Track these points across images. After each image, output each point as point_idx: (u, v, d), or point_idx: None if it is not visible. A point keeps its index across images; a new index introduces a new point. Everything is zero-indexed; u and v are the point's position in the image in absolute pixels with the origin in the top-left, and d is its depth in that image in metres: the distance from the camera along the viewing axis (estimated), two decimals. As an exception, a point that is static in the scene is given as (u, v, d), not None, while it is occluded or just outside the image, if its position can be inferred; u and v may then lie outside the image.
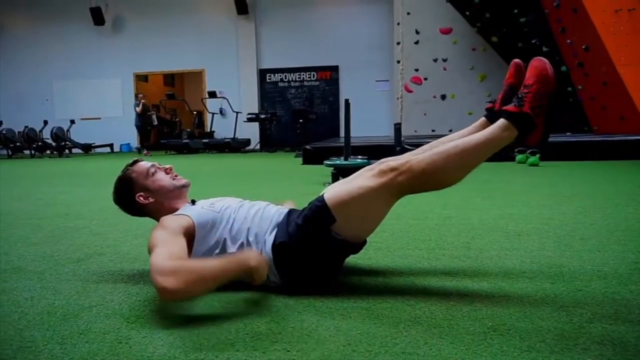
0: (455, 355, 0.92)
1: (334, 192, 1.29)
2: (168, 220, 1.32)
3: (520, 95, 1.29)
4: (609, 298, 1.21)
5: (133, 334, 1.05)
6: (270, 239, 1.31)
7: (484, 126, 1.40)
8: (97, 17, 12.39)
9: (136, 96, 11.20)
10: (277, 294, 1.27)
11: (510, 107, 1.29)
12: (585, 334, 1.00)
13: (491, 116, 1.39)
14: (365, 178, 1.28)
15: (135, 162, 1.50)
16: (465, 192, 3.32)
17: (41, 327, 1.11)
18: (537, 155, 5.27)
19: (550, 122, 1.29)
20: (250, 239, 1.32)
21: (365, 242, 1.37)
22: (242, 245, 1.32)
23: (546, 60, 1.33)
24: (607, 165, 5.10)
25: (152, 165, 1.47)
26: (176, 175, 1.49)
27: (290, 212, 1.39)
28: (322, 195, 1.30)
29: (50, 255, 1.79)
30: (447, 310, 1.15)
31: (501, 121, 1.28)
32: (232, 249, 1.32)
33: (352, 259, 1.63)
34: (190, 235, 1.30)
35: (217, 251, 1.32)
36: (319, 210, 1.27)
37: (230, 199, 1.48)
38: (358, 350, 0.95)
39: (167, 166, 1.50)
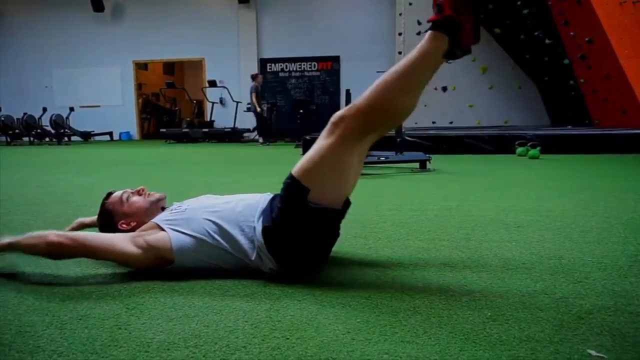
0: (454, 344, 0.92)
1: (299, 164, 1.30)
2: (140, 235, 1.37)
3: (439, 3, 1.26)
4: (608, 289, 1.21)
5: (132, 320, 1.05)
6: (259, 225, 1.31)
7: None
8: (97, 4, 12.28)
9: (254, 77, 9.68)
10: (276, 283, 1.27)
11: (432, 16, 1.27)
12: (584, 324, 1.00)
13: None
14: (322, 138, 1.28)
15: (108, 194, 1.56)
16: (466, 184, 3.32)
17: (40, 312, 1.11)
18: (538, 149, 5.26)
19: (479, 20, 1.26)
20: (236, 226, 1.32)
21: (348, 203, 1.35)
22: (223, 231, 1.32)
23: None
24: (608, 159, 5.10)
25: (124, 192, 1.53)
26: (149, 194, 1.55)
27: (274, 197, 1.39)
28: (290, 172, 1.31)
29: (49, 241, 1.78)
30: (446, 300, 1.15)
31: (429, 33, 1.26)
32: (213, 233, 1.32)
33: (351, 249, 1.63)
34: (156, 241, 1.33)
35: (205, 238, 1.32)
36: (291, 187, 1.28)
37: (202, 197, 1.51)
38: (357, 339, 0.95)
39: (139, 188, 1.56)
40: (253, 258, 1.31)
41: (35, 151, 8.58)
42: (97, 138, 12.30)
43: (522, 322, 1.02)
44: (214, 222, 1.33)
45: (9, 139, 11.10)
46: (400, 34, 9.17)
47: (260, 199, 1.39)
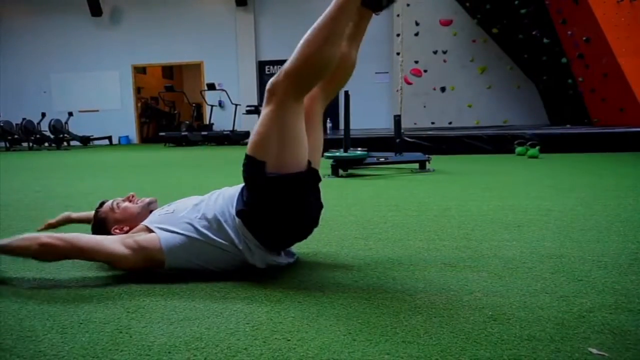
0: (455, 344, 0.92)
1: (248, 141, 1.33)
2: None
3: None
4: (609, 288, 1.21)
5: (133, 324, 1.05)
6: (233, 210, 1.34)
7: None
8: (95, 8, 12.29)
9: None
10: (277, 285, 1.27)
11: None
12: (585, 323, 1.00)
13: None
14: (263, 110, 1.30)
15: (100, 204, 1.59)
16: (465, 184, 3.32)
17: (41, 316, 1.11)
18: (537, 148, 5.26)
19: None
20: (220, 218, 1.34)
21: (313, 170, 1.36)
22: (210, 224, 1.34)
23: None
24: (607, 157, 5.10)
25: (114, 201, 1.57)
26: (139, 200, 1.58)
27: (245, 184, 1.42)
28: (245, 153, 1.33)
29: (49, 246, 1.78)
30: (447, 300, 1.15)
31: None
32: (201, 228, 1.34)
33: (352, 250, 1.63)
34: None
35: (191, 234, 1.34)
36: (248, 165, 1.32)
37: (189, 198, 1.54)
38: (358, 340, 0.95)
39: (129, 195, 1.59)
40: (241, 247, 1.32)
41: (35, 156, 8.58)
42: (96, 142, 12.29)
43: (523, 321, 1.02)
44: (201, 217, 1.35)
45: (8, 145, 11.09)
46: (398, 35, 9.19)
47: (237, 192, 1.41)
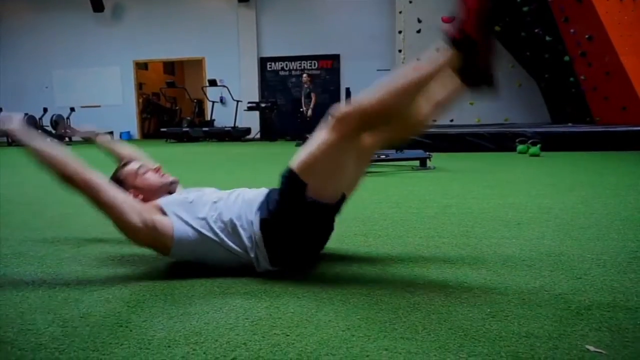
0: (453, 341, 0.92)
1: (297, 158, 1.30)
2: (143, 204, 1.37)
3: (460, 19, 1.27)
4: (607, 286, 1.21)
5: (133, 318, 1.06)
6: (256, 219, 1.32)
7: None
8: (97, 4, 12.26)
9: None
10: (276, 280, 1.28)
11: (452, 31, 1.28)
12: (583, 320, 1.01)
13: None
14: (322, 133, 1.27)
15: (125, 164, 1.56)
16: (466, 181, 3.32)
17: (42, 310, 1.11)
18: (538, 146, 5.25)
19: (494, 45, 1.28)
20: (237, 222, 1.32)
21: (344, 198, 1.36)
22: (226, 226, 1.32)
23: None
24: (609, 156, 5.09)
25: (141, 166, 1.52)
26: (164, 174, 1.54)
27: (270, 191, 1.40)
28: (288, 166, 1.31)
29: (50, 240, 1.80)
30: (445, 296, 1.15)
31: (444, 46, 1.28)
32: (216, 229, 1.32)
33: (352, 247, 1.64)
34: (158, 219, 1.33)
35: (203, 230, 1.32)
36: (289, 181, 1.29)
37: (207, 189, 1.52)
38: (357, 335, 0.95)
39: (156, 166, 1.56)
40: (252, 255, 1.31)
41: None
42: (97, 138, 12.29)
43: (521, 318, 1.02)
44: (217, 217, 1.34)
45: (9, 140, 11.12)
46: (400, 32, 9.16)
47: (258, 195, 1.40)
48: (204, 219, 1.34)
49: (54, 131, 11.10)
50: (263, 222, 1.30)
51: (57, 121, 11.05)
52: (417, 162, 4.28)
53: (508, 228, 1.88)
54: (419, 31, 10.19)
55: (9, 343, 0.95)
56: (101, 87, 12.90)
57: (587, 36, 7.33)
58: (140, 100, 13.24)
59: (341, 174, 1.30)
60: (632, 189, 2.81)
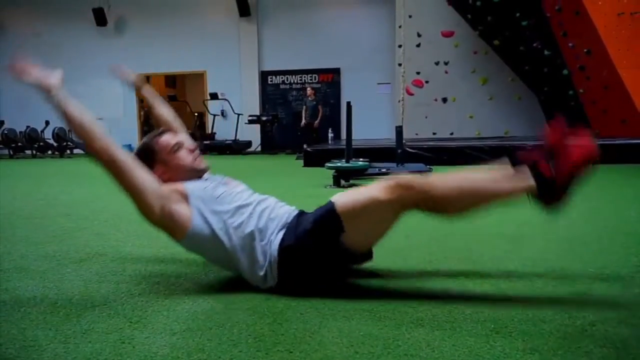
0: (457, 357, 0.92)
1: (345, 200, 1.27)
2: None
3: (556, 162, 1.29)
4: (611, 301, 1.21)
5: (136, 334, 1.05)
6: (277, 239, 1.30)
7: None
8: (100, 18, 12.42)
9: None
10: (279, 296, 1.27)
11: (543, 166, 1.29)
12: (588, 336, 1.00)
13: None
14: (379, 190, 1.24)
15: (162, 132, 1.47)
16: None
17: (44, 326, 1.11)
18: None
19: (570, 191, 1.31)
20: (256, 233, 1.31)
21: (370, 256, 1.36)
22: (243, 239, 1.30)
23: (593, 142, 1.30)
24: (609, 169, 5.09)
25: (177, 143, 1.43)
26: (199, 158, 1.47)
27: (301, 213, 1.38)
28: (332, 202, 1.28)
29: (52, 255, 1.79)
30: (449, 312, 1.15)
31: (524, 174, 1.28)
32: (233, 237, 1.30)
33: (354, 261, 1.63)
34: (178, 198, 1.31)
35: (222, 229, 1.30)
36: (330, 219, 1.26)
37: (240, 186, 1.48)
38: (361, 352, 0.95)
39: (194, 147, 1.47)
40: (261, 273, 1.30)
41: (38, 164, 8.61)
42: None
43: (525, 334, 1.02)
44: (237, 226, 1.31)
45: (11, 152, 11.15)
46: (400, 46, 9.24)
47: (285, 214, 1.37)
48: (225, 222, 1.31)
49: (55, 144, 11.14)
50: (286, 247, 1.27)
51: (58, 134, 11.09)
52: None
53: (510, 242, 1.87)
54: (418, 45, 10.29)
55: (10, 360, 0.95)
56: (103, 100, 12.97)
57: (585, 50, 7.39)
58: (142, 113, 13.31)
59: (378, 234, 1.30)
60: (633, 203, 2.81)
